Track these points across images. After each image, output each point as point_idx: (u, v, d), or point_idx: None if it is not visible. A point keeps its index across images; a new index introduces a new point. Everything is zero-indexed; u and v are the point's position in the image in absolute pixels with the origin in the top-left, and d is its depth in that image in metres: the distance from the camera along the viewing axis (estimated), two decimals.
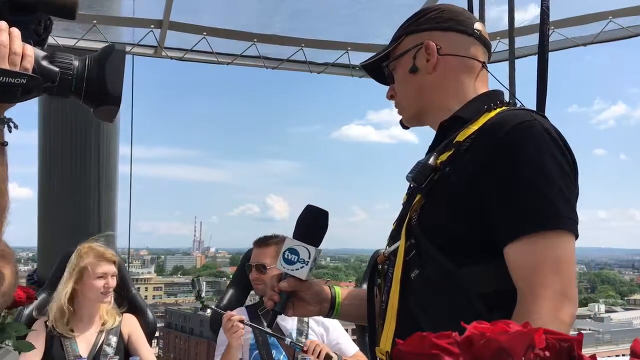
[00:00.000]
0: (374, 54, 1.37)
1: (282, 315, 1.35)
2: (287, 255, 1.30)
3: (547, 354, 0.45)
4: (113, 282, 2.62)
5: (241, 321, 2.37)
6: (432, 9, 1.29)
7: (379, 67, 1.34)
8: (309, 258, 1.29)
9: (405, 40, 1.28)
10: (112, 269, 2.63)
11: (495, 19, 3.75)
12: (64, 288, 2.58)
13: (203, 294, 2.53)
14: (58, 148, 4.60)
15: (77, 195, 4.54)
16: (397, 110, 1.34)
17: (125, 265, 5.22)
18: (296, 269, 1.29)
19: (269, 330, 2.37)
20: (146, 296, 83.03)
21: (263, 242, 2.65)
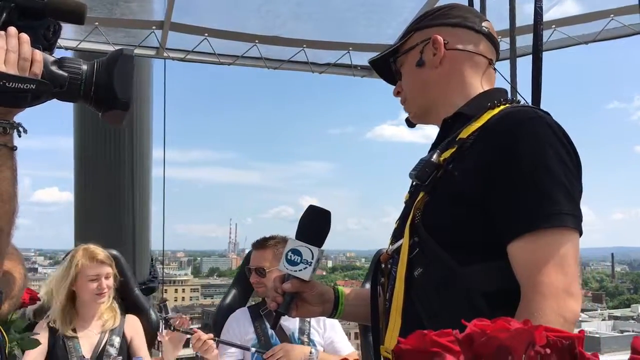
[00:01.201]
0: (376, 53, 1.37)
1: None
2: (290, 256, 1.29)
3: (548, 351, 0.45)
4: (108, 282, 2.62)
5: (213, 339, 2.44)
6: (443, 7, 1.31)
7: (386, 64, 1.34)
8: (312, 259, 1.28)
9: (414, 35, 1.30)
10: (106, 270, 2.62)
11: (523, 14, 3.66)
12: (62, 289, 2.59)
13: (170, 320, 2.48)
14: (92, 153, 4.65)
15: (111, 199, 4.59)
16: (404, 107, 1.35)
17: (160, 267, 5.23)
18: (299, 270, 1.28)
19: (241, 344, 2.47)
20: (183, 297, 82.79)
21: (261, 244, 2.64)
